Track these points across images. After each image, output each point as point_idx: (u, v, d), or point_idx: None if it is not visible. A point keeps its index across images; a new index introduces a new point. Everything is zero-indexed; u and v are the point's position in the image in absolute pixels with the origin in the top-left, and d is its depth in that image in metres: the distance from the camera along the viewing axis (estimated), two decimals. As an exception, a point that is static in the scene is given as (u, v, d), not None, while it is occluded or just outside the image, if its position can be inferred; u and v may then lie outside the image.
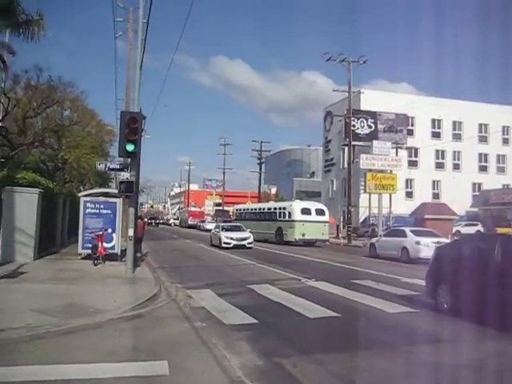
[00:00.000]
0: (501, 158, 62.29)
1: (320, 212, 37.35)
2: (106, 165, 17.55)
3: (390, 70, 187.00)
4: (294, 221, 35.72)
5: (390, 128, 54.61)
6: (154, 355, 7.03)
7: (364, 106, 53.34)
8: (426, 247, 21.92)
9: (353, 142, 47.15)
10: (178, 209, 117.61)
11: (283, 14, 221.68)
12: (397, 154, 52.98)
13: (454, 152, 60.57)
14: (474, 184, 60.71)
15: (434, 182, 59.67)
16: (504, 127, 61.59)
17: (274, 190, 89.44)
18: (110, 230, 18.90)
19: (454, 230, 44.47)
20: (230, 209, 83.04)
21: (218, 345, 7.64)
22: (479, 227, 54.02)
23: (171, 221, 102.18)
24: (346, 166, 58.36)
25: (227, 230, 33.04)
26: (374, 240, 28.85)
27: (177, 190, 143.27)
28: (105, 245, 18.34)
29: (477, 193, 60.54)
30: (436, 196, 58.23)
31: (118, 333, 8.45)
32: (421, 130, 58.20)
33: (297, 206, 37.67)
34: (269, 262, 21.86)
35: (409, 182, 57.40)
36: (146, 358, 6.85)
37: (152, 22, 18.53)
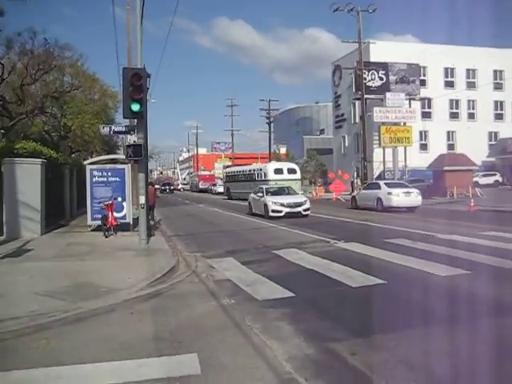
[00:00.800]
0: (517, 105, 60.24)
1: (291, 171, 41.94)
2: (110, 128, 16.08)
3: (393, 23, 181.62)
4: (268, 180, 39.80)
5: (402, 79, 52.88)
6: (179, 346, 5.81)
7: (374, 58, 51.52)
8: (397, 197, 25.48)
9: (365, 96, 45.54)
10: (188, 174, 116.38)
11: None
12: (410, 106, 51.39)
13: (469, 101, 58.73)
14: (489, 133, 59.21)
15: (448, 132, 58.04)
16: (520, 72, 59.36)
17: (283, 150, 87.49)
18: (119, 199, 17.71)
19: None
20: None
21: (255, 328, 6.40)
22: (497, 177, 52.67)
23: (180, 186, 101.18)
24: (357, 120, 57.19)
25: (274, 193, 25.36)
26: (354, 193, 32.45)
27: (185, 155, 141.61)
28: (115, 214, 17.21)
29: (493, 142, 58.93)
30: (451, 147, 56.63)
31: (135, 317, 7.25)
32: (433, 79, 56.37)
33: (270, 166, 42.89)
34: (284, 222, 20.68)
35: (423, 134, 55.83)
36: (171, 352, 5.60)
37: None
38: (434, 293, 8.05)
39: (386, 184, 27.58)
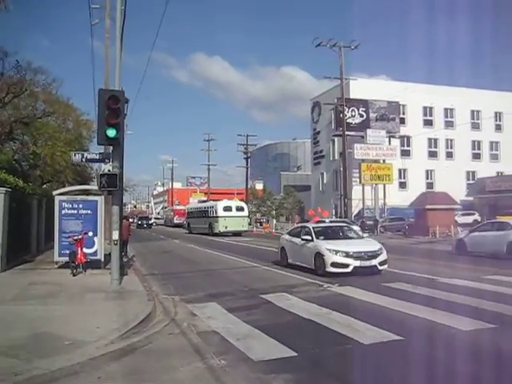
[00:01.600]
0: (494, 145, 60.73)
1: (240, 208, 45.64)
2: (82, 155, 14.55)
3: (367, 63, 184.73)
4: (217, 217, 44.16)
5: (382, 116, 52.89)
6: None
7: (353, 95, 51.23)
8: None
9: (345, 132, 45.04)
10: (162, 208, 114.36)
11: (261, 9, 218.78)
12: (390, 143, 51.14)
13: (447, 140, 58.92)
14: (467, 172, 59.18)
15: (427, 171, 57.92)
16: (496, 113, 60.07)
17: (260, 186, 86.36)
18: (90, 233, 16.17)
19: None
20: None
21: (256, 405, 5.08)
22: (476, 216, 52.20)
23: (152, 220, 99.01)
24: (336, 157, 56.68)
25: (328, 236, 16.85)
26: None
27: (160, 189, 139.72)
28: (85, 250, 15.69)
29: (471, 181, 58.84)
30: (430, 186, 56.36)
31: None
32: (412, 118, 56.59)
33: (220, 204, 45.95)
34: (252, 257, 19.83)
35: (402, 172, 55.50)
36: None
37: (128, 21, 15.67)
38: (463, 353, 6.79)
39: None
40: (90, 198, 16.53)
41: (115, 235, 12.36)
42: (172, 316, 9.63)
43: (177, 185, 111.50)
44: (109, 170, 12.54)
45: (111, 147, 12.85)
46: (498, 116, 60.30)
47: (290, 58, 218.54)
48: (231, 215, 44.00)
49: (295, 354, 6.79)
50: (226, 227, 43.36)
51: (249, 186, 70.97)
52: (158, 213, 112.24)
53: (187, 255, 24.47)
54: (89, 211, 16.30)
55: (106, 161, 13.32)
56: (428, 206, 38.58)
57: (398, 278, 14.17)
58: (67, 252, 15.53)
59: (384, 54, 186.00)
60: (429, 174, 57.90)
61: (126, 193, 59.18)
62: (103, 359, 6.75)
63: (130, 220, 33.08)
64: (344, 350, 7.10)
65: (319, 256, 15.45)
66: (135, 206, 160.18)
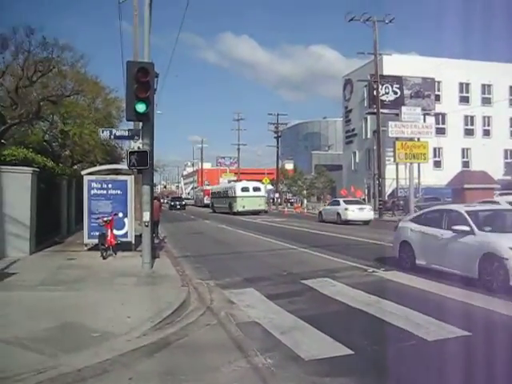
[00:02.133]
0: (533, 122, 58.27)
1: (256, 189, 49.45)
2: (111, 132, 13.71)
3: (397, 40, 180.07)
4: (236, 197, 48.07)
5: (417, 93, 51.17)
6: None
7: (386, 72, 49.55)
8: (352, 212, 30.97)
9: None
10: (192, 188, 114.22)
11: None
12: (424, 121, 49.37)
13: (484, 117, 56.79)
14: (505, 151, 57.02)
15: (463, 149, 56.01)
16: (537, 89, 57.47)
17: (290, 166, 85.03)
18: (120, 214, 15.59)
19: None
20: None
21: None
22: (513, 196, 50.41)
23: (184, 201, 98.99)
24: (369, 136, 55.24)
25: (496, 226, 10.80)
26: (320, 208, 37.65)
27: (189, 170, 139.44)
28: (115, 232, 15.13)
29: (509, 160, 56.81)
30: (466, 165, 54.55)
31: (135, 387, 5.15)
32: (448, 95, 54.46)
33: (238, 185, 50.26)
34: (286, 238, 18.63)
35: (437, 151, 53.72)
36: None
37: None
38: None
39: (344, 201, 33.10)
40: (120, 177, 15.86)
41: (146, 216, 11.71)
42: (208, 304, 8.94)
43: (206, 165, 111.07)
44: (138, 148, 11.82)
45: (141, 124, 12.09)
46: (538, 92, 57.90)
47: (318, 36, 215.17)
48: (248, 195, 47.77)
49: (351, 352, 5.96)
50: (243, 206, 46.95)
51: (279, 166, 70.09)
52: (188, 193, 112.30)
53: (219, 236, 23.85)
54: (118, 191, 15.68)
55: (136, 138, 12.56)
56: (466, 186, 37.21)
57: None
58: (97, 234, 14.93)
59: (414, 29, 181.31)
60: (465, 152, 56.08)
61: (156, 173, 58.66)
62: (135, 355, 6.06)
63: (163, 201, 32.55)
64: (406, 347, 6.23)
65: (492, 259, 9.66)
66: (165, 187, 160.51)
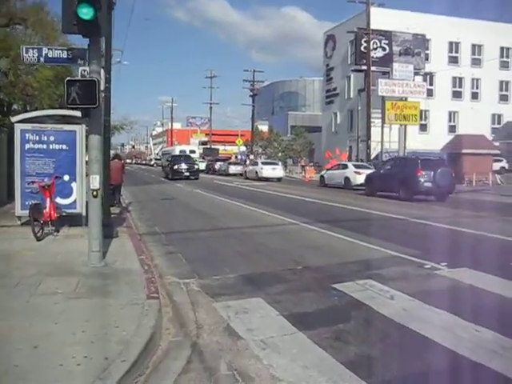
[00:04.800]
0: (523, 86, 55.41)
1: (191, 151, 56.58)
2: (39, 51, 9.10)
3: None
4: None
5: (407, 50, 47.78)
6: None
7: (374, 26, 45.46)
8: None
9: (364, 67, 39.90)
10: (161, 149, 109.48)
11: None
12: (413, 81, 45.79)
13: (473, 79, 54.01)
14: (493, 115, 54.39)
15: (450, 113, 53.01)
16: (529, 51, 54.45)
17: (264, 127, 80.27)
18: (66, 178, 11.54)
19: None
20: (220, 147, 75.75)
21: None
22: (503, 163, 47.70)
23: (153, 161, 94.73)
24: (352, 95, 51.46)
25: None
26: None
27: (159, 130, 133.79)
28: (59, 201, 11.17)
29: (496, 125, 54.00)
30: (452, 129, 51.76)
31: None
32: (437, 54, 51.42)
33: (177, 149, 59.94)
34: (311, 219, 14.35)
35: (423, 114, 50.22)
36: None
37: None
38: None
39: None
40: (66, 127, 11.70)
41: (95, 183, 7.71)
42: (192, 336, 5.14)
43: (176, 125, 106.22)
44: (82, 75, 7.73)
45: (88, 42, 7.87)
46: (530, 54, 54.84)
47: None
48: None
49: None
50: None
51: (257, 127, 66.01)
52: (157, 153, 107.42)
53: (197, 205, 19.53)
54: (64, 146, 11.54)
55: (80, 62, 8.39)
56: (464, 151, 34.00)
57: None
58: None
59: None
60: (452, 115, 53.14)
61: (124, 131, 52.73)
62: None
63: (124, 160, 28.00)
64: None
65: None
66: (133, 147, 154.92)
